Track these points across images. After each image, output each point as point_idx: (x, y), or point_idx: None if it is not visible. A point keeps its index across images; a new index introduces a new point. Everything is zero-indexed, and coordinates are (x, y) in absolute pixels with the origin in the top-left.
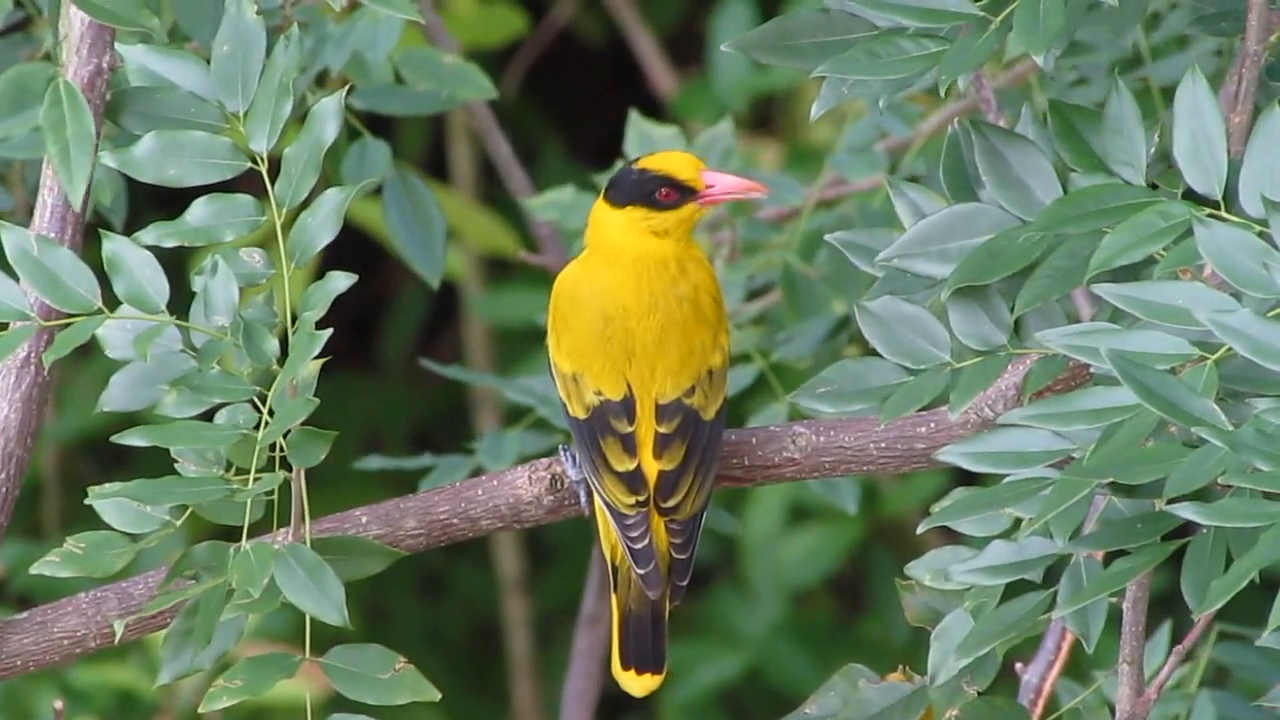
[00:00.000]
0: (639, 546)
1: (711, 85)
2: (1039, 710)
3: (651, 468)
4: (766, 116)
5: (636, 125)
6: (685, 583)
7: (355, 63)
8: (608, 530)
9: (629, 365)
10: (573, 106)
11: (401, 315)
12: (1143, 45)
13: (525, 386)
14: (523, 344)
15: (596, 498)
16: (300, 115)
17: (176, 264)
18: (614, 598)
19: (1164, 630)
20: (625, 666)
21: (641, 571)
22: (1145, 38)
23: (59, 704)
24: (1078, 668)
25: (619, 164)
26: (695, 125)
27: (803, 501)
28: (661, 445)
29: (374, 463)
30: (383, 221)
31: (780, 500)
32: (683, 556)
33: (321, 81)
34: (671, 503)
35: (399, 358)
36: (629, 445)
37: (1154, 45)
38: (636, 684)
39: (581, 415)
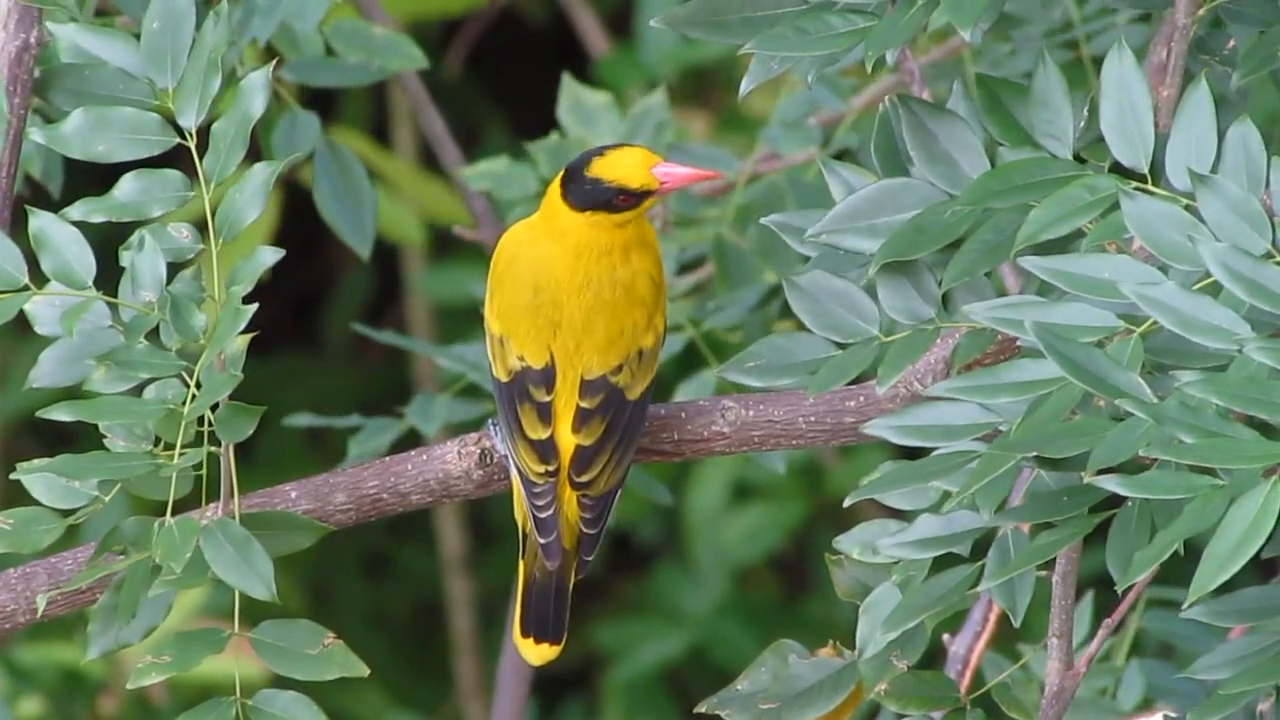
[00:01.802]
0: (544, 516)
1: (639, 54)
2: (966, 682)
3: (568, 441)
4: (698, 87)
5: (570, 90)
6: (591, 558)
7: (285, 34)
8: (519, 496)
9: (554, 336)
10: (515, 85)
11: (344, 296)
12: (1074, 16)
13: (458, 354)
14: (465, 323)
15: (510, 463)
16: (231, 87)
17: (111, 241)
18: (520, 564)
19: (1086, 601)
20: (525, 634)
21: (543, 541)
22: (1077, 9)
23: None
24: (1007, 640)
25: (554, 135)
26: (628, 94)
27: (746, 479)
28: (581, 420)
29: (303, 420)
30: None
31: (723, 478)
32: (592, 531)
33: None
34: (585, 478)
35: (342, 338)
36: (544, 414)
37: (1085, 16)
38: (534, 652)
39: (504, 378)
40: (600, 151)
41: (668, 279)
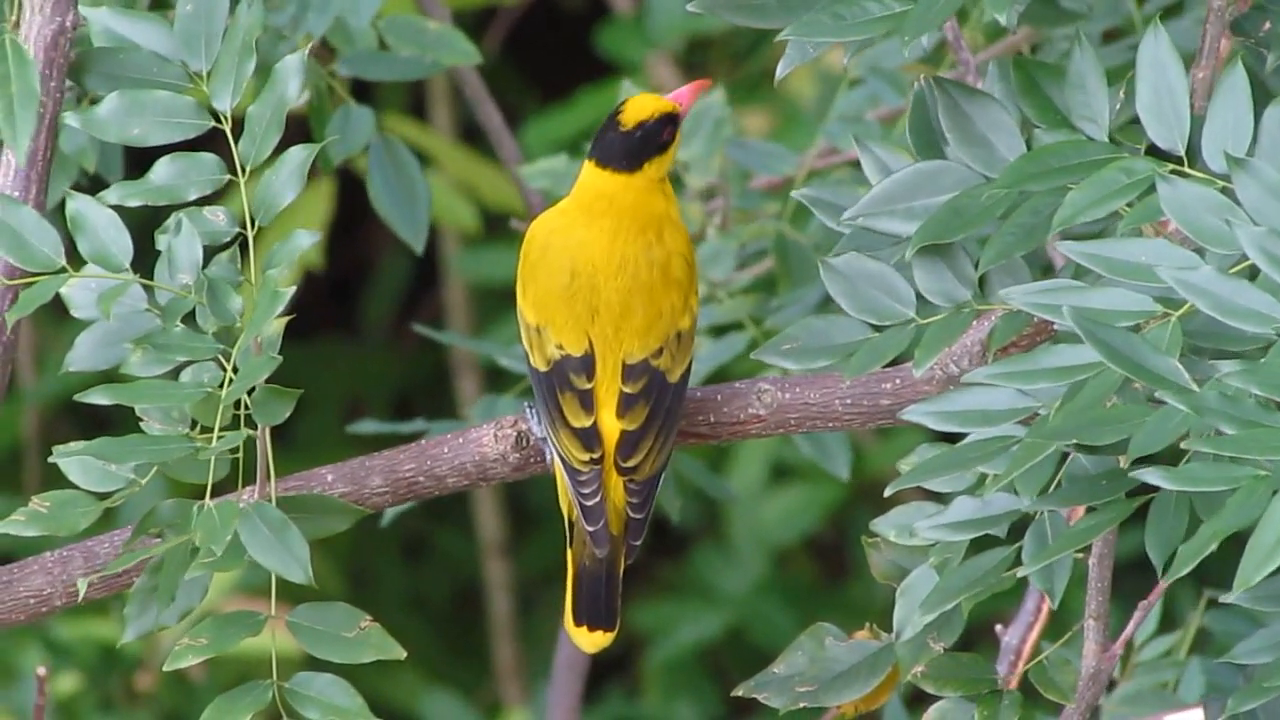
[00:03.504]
0: (590, 503)
1: (646, 24)
2: (1018, 672)
3: (613, 427)
4: (704, 57)
5: (626, 91)
6: (639, 542)
7: (339, 29)
8: (564, 485)
9: (592, 322)
10: (552, 70)
11: (383, 280)
12: (1135, 14)
13: (516, 353)
14: (504, 306)
15: (553, 452)
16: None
17: (148, 225)
18: (569, 553)
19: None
20: (578, 623)
21: (591, 529)
22: (1139, 5)
23: (42, 670)
24: (1063, 631)
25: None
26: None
27: (785, 460)
28: (626, 405)
29: (367, 427)
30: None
31: (762, 459)
32: (639, 516)
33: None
34: (632, 462)
35: (380, 323)
36: (586, 402)
37: (1149, 14)
38: (588, 640)
39: (542, 367)
40: (618, 111)
41: (727, 274)
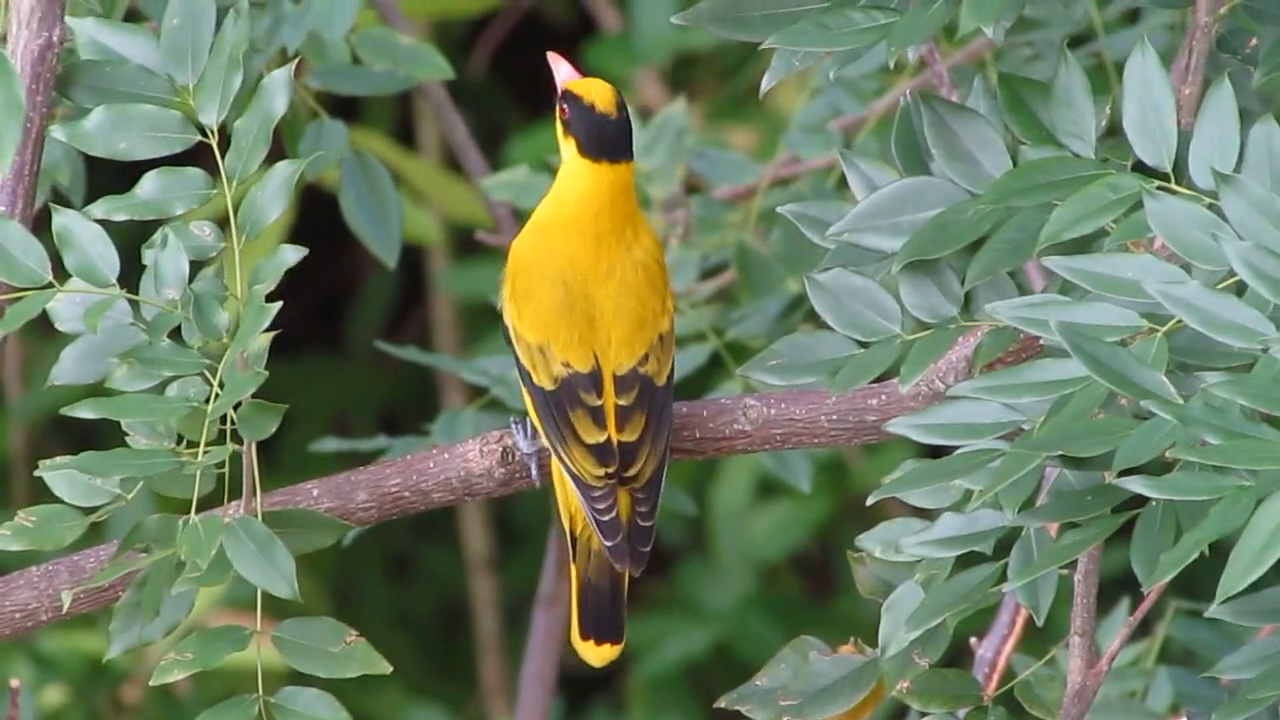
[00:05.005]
0: (607, 519)
1: (633, 40)
2: (993, 684)
3: (615, 439)
4: (690, 74)
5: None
6: (648, 549)
7: (312, 42)
8: (568, 500)
9: (593, 334)
10: (539, 85)
11: (369, 298)
12: (1096, 20)
13: (481, 368)
14: (490, 322)
15: (559, 469)
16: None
17: (135, 240)
18: (573, 567)
19: (1123, 608)
20: (584, 637)
21: (610, 544)
22: (1099, 12)
23: (16, 682)
24: (1034, 644)
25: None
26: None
27: (771, 476)
28: (623, 418)
29: (330, 444)
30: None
31: (748, 475)
32: (647, 524)
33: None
34: (633, 471)
35: (367, 340)
36: (599, 417)
37: (1107, 20)
38: (595, 654)
39: (549, 386)
40: (579, 96)
41: (689, 285)
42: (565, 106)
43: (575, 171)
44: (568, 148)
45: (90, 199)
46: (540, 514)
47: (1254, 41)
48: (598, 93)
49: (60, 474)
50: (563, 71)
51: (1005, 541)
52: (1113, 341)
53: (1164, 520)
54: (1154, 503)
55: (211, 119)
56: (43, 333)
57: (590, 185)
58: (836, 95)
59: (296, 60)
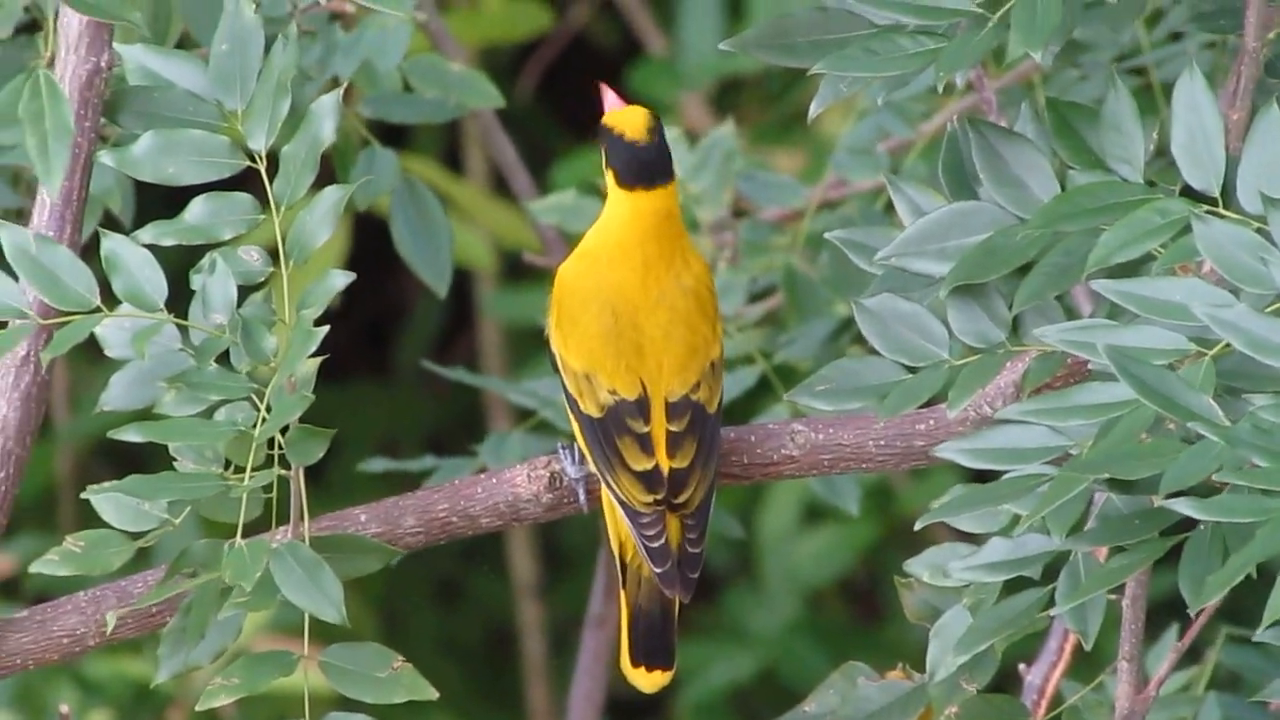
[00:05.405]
0: (656, 545)
1: (678, 63)
2: (1041, 710)
3: (664, 466)
4: (735, 98)
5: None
6: (697, 575)
7: (364, 71)
8: (617, 527)
9: (640, 362)
10: (587, 109)
11: (417, 323)
12: (1144, 42)
13: (529, 390)
14: (537, 346)
15: (608, 495)
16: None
17: (183, 265)
18: (623, 594)
19: (1171, 633)
20: (635, 663)
21: (660, 570)
22: (1146, 34)
23: (65, 708)
24: (1086, 669)
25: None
26: (667, 104)
27: (817, 501)
28: (674, 444)
29: (378, 465)
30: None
31: (794, 500)
32: (696, 550)
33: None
34: (683, 498)
35: (414, 365)
36: (646, 445)
37: (1155, 42)
38: (646, 680)
39: (595, 414)
40: (611, 128)
41: (737, 308)
42: (603, 140)
43: (616, 200)
44: (609, 179)
45: (138, 224)
46: (588, 539)
47: None
48: (629, 122)
49: (108, 498)
50: (609, 103)
51: (1053, 566)
52: (1160, 365)
53: (1212, 543)
54: (1202, 526)
55: (260, 144)
56: (90, 357)
57: (631, 213)
58: (884, 117)
59: (345, 86)
